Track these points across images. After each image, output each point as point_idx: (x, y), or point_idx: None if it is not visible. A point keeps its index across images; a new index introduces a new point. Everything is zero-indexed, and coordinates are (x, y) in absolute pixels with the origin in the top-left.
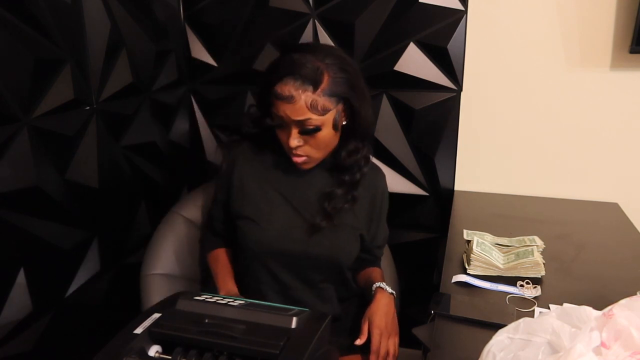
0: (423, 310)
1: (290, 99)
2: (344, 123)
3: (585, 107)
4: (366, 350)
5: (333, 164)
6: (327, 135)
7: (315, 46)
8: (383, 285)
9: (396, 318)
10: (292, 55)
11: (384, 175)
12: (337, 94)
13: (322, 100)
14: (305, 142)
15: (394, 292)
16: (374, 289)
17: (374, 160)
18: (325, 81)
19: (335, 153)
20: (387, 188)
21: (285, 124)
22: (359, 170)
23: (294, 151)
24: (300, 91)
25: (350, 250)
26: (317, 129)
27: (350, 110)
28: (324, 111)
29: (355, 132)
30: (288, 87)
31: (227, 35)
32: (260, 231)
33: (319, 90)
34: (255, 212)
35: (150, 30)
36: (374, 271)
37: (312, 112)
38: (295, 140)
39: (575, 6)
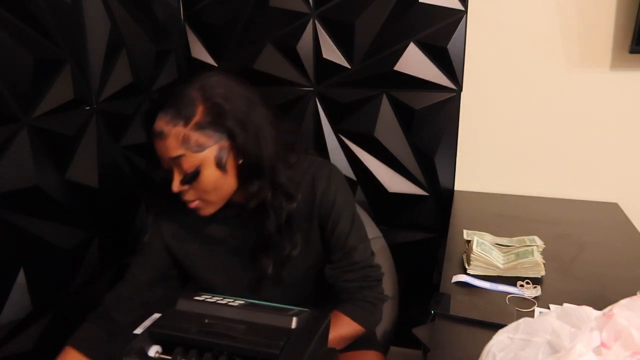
0: (423, 310)
1: (160, 135)
2: (240, 162)
3: (585, 107)
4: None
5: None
6: (212, 177)
7: (201, 75)
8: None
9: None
10: (170, 88)
11: (322, 175)
12: (216, 129)
13: (196, 136)
14: (191, 187)
15: None
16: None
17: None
18: (200, 113)
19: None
20: (330, 184)
21: (169, 167)
22: (279, 209)
23: (182, 197)
24: (170, 126)
25: (314, 272)
26: (196, 172)
27: (238, 147)
28: (200, 147)
29: (254, 170)
30: (159, 123)
31: (227, 35)
32: (222, 290)
33: (192, 123)
34: (211, 279)
35: (150, 30)
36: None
37: (184, 149)
38: (177, 185)
39: (575, 6)
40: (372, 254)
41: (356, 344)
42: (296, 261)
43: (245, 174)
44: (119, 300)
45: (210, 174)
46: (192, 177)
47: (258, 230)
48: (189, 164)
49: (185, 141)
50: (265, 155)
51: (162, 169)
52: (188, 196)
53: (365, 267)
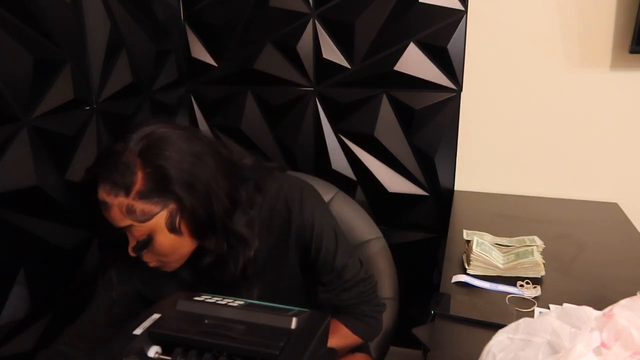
0: (423, 310)
1: (104, 205)
2: (192, 222)
3: (585, 107)
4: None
5: None
6: (167, 241)
7: (137, 130)
8: None
9: None
10: (109, 147)
11: (294, 198)
12: (161, 194)
13: (140, 205)
14: (148, 251)
15: None
16: None
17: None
18: (140, 181)
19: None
20: (304, 207)
21: (121, 231)
22: (236, 259)
23: (140, 260)
24: (112, 196)
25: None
26: (149, 239)
27: (187, 209)
28: (147, 216)
29: (207, 228)
30: (101, 192)
31: (227, 35)
32: None
33: (133, 192)
34: None
35: (150, 30)
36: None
37: (131, 219)
38: (132, 251)
39: (575, 6)
40: (361, 264)
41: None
42: (273, 291)
43: (200, 232)
44: (78, 336)
45: (164, 239)
46: (144, 244)
47: (216, 280)
48: (139, 232)
49: (130, 212)
50: (217, 211)
51: (110, 231)
52: (146, 259)
53: (359, 283)
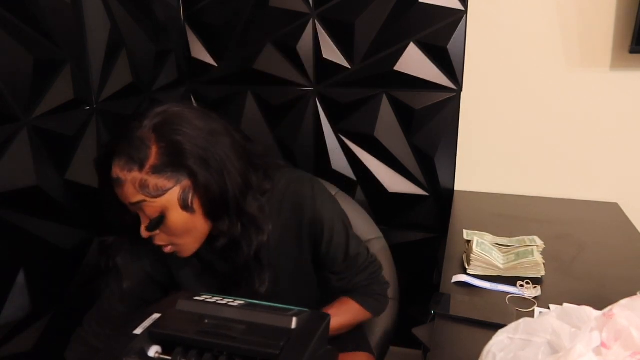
0: (423, 310)
1: (117, 182)
2: (206, 199)
3: (585, 107)
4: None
5: None
6: (180, 220)
7: (154, 109)
8: None
9: None
10: (122, 128)
11: (305, 194)
12: (175, 169)
13: (154, 180)
14: (161, 231)
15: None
16: None
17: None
18: (154, 155)
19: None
20: (315, 202)
21: (133, 210)
22: (249, 242)
23: (153, 242)
24: (125, 172)
25: (305, 286)
26: (161, 217)
27: (201, 185)
28: (160, 192)
29: (221, 207)
30: (115, 168)
31: (227, 35)
32: None
33: (147, 167)
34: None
35: (150, 30)
36: (330, 304)
37: (143, 194)
38: (144, 231)
39: (575, 6)
40: (367, 249)
41: (347, 346)
42: (285, 280)
43: (213, 212)
44: (99, 324)
45: (177, 217)
46: (157, 223)
47: (229, 263)
48: (151, 209)
49: (143, 187)
50: (231, 190)
51: (120, 213)
52: (158, 241)
53: (369, 266)
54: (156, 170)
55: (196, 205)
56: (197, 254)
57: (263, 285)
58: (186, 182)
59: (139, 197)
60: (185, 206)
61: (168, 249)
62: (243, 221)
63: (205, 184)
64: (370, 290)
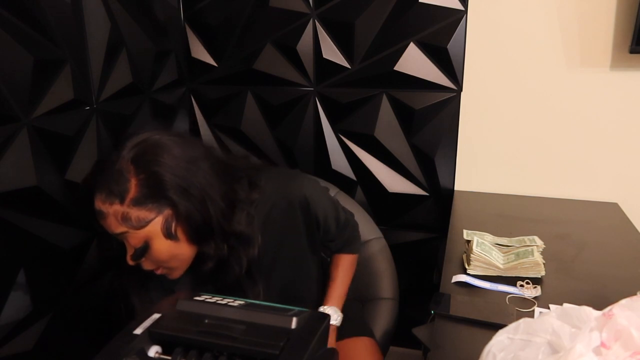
0: (423, 310)
1: (100, 215)
2: (189, 227)
3: (585, 107)
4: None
5: None
6: (164, 248)
7: (132, 138)
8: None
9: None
10: (103, 160)
11: (296, 192)
12: (155, 200)
13: (135, 212)
14: (147, 259)
15: (339, 319)
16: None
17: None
18: (134, 188)
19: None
20: (308, 197)
21: (119, 239)
22: (239, 260)
23: (142, 268)
24: (107, 205)
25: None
26: (145, 246)
27: (183, 214)
28: (142, 223)
29: (205, 233)
30: (97, 202)
31: (227, 35)
32: None
33: (128, 200)
34: None
35: (150, 30)
36: (333, 269)
37: (126, 226)
38: (129, 259)
39: (575, 6)
40: (342, 207)
41: (349, 331)
42: (287, 284)
43: (197, 238)
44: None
45: (161, 245)
46: (142, 252)
47: (221, 281)
48: (135, 239)
49: (125, 219)
50: (214, 215)
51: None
52: (146, 267)
53: (349, 220)
54: (137, 202)
55: (180, 233)
56: (189, 276)
57: (258, 297)
58: (168, 211)
59: (122, 229)
60: (168, 235)
61: (159, 272)
62: (230, 242)
63: (187, 212)
64: (352, 237)
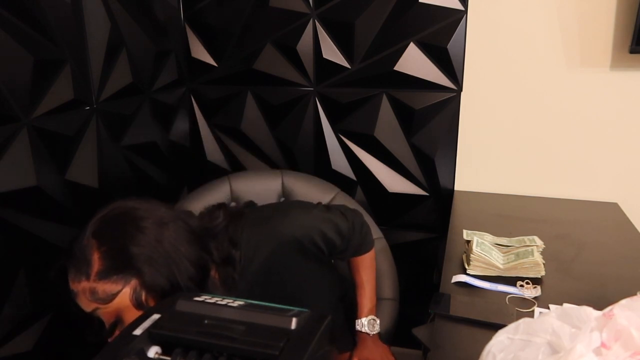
0: (423, 310)
1: (73, 294)
2: (158, 295)
3: (585, 107)
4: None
5: None
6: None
7: (101, 210)
8: (364, 327)
9: (387, 350)
10: (73, 240)
11: (288, 231)
12: (120, 271)
13: (101, 286)
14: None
15: (377, 324)
16: (357, 327)
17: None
18: (97, 262)
19: None
20: (293, 234)
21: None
22: None
23: None
24: (76, 283)
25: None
26: (118, 320)
27: (149, 282)
28: (110, 296)
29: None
30: (69, 282)
31: (227, 35)
32: None
33: (93, 275)
34: None
35: (150, 30)
36: (355, 274)
37: (96, 302)
38: (109, 338)
39: (575, 6)
40: (345, 212)
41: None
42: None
43: None
44: None
45: (133, 316)
46: (114, 326)
47: None
48: (107, 315)
49: (93, 294)
50: (182, 281)
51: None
52: None
53: (355, 223)
54: (102, 275)
55: (151, 302)
56: None
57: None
58: (134, 281)
59: (93, 306)
60: (139, 305)
61: None
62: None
63: (154, 281)
64: (362, 239)
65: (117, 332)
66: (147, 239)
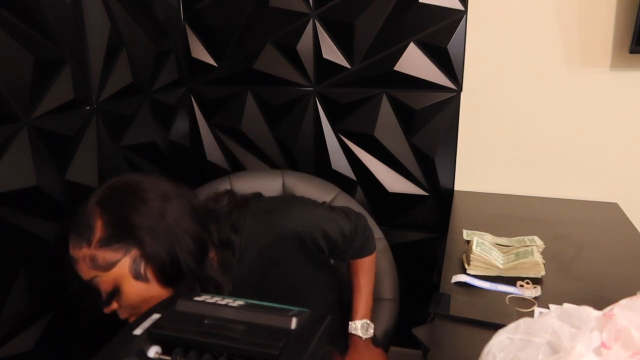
0: (423, 310)
1: (73, 261)
2: (156, 268)
3: (585, 107)
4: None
5: None
6: (135, 290)
7: (106, 183)
8: (357, 330)
9: (380, 354)
10: (78, 207)
11: (286, 224)
12: (121, 240)
13: (102, 254)
14: (121, 306)
15: (371, 328)
16: (350, 330)
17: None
18: (99, 229)
19: None
20: (295, 229)
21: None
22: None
23: (119, 317)
24: (77, 249)
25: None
26: (114, 291)
27: (149, 254)
28: (109, 265)
29: (174, 273)
30: (70, 248)
31: (227, 35)
32: None
33: (94, 242)
34: None
35: (150, 30)
36: (353, 276)
37: (95, 270)
38: (105, 308)
39: (575, 6)
40: (349, 214)
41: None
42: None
43: (168, 279)
44: None
45: (131, 288)
46: (110, 296)
47: None
48: (105, 284)
49: (93, 262)
50: (183, 257)
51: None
52: (121, 315)
53: (359, 224)
54: (103, 243)
55: (150, 274)
56: None
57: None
58: (135, 252)
59: (92, 274)
60: (137, 276)
61: (133, 319)
62: (201, 282)
63: (154, 252)
64: (364, 242)
65: (114, 304)
66: (150, 210)
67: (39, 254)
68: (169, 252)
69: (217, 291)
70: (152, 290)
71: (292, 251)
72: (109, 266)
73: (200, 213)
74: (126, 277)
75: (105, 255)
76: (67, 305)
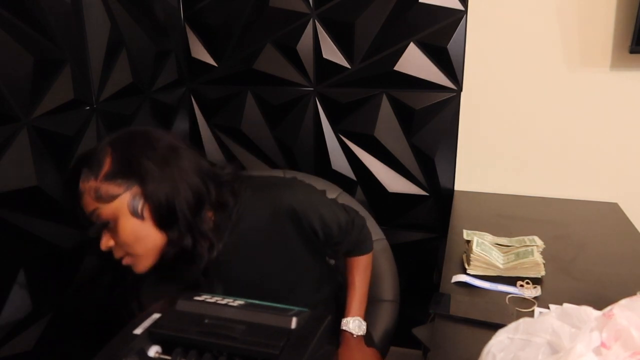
0: (423, 310)
1: (80, 194)
2: (153, 208)
3: (585, 107)
4: None
5: None
6: (130, 227)
7: (121, 129)
8: (349, 326)
9: (372, 354)
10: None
11: (290, 199)
12: (126, 176)
13: (105, 186)
14: (116, 243)
15: (363, 326)
16: (342, 326)
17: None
18: (108, 163)
19: None
20: (291, 203)
21: (95, 223)
22: (200, 258)
23: (114, 257)
24: (84, 182)
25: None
26: (107, 222)
27: (149, 193)
28: (110, 197)
29: (169, 217)
30: (79, 182)
31: (227, 35)
32: None
33: (101, 175)
34: None
35: (150, 30)
36: (348, 274)
37: (97, 202)
38: (103, 244)
39: (575, 6)
40: (347, 209)
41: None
42: (278, 285)
43: (162, 220)
44: None
45: (126, 222)
46: (102, 226)
47: (182, 277)
48: (104, 216)
49: (96, 194)
50: (179, 202)
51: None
52: (116, 254)
53: (354, 221)
54: (108, 177)
55: (146, 214)
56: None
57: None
58: (136, 189)
59: (94, 206)
60: (134, 212)
61: (125, 261)
62: (194, 234)
63: (154, 192)
64: (361, 238)
65: (110, 241)
66: (157, 155)
67: (39, 254)
68: (167, 195)
69: (209, 251)
70: (145, 229)
71: (286, 227)
72: (110, 199)
73: (203, 172)
74: (124, 212)
75: (108, 188)
76: (67, 305)
